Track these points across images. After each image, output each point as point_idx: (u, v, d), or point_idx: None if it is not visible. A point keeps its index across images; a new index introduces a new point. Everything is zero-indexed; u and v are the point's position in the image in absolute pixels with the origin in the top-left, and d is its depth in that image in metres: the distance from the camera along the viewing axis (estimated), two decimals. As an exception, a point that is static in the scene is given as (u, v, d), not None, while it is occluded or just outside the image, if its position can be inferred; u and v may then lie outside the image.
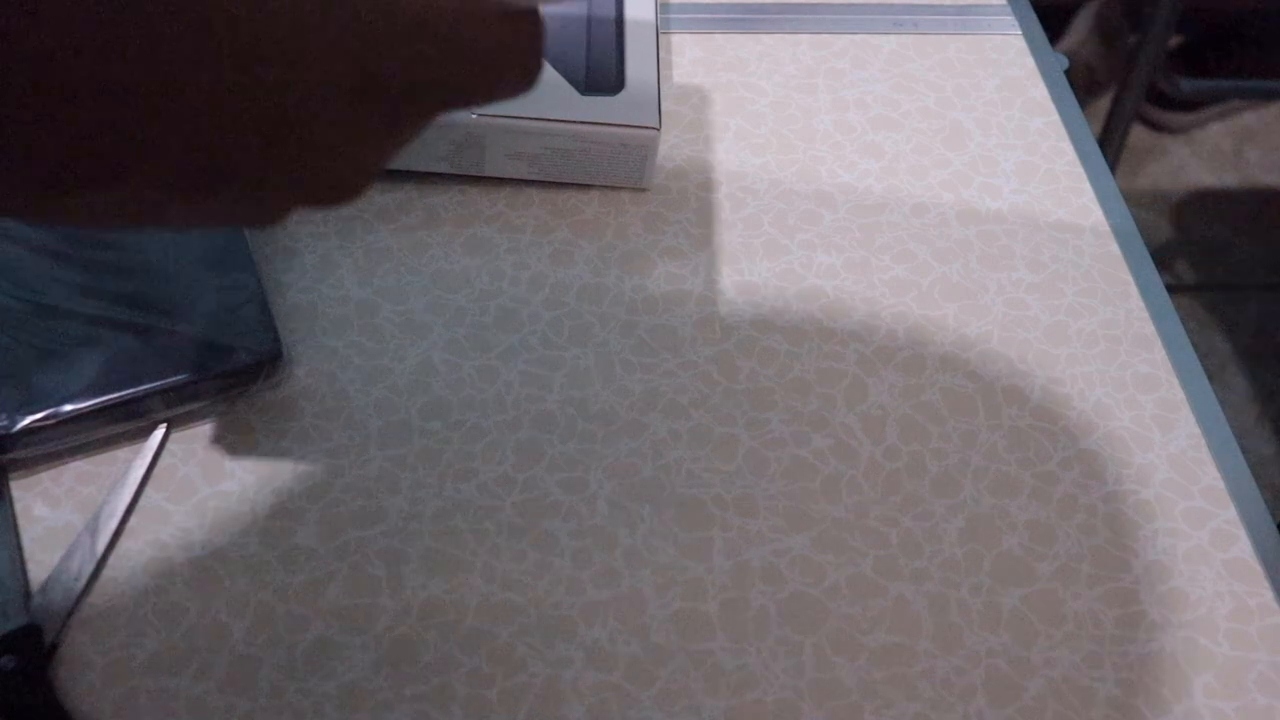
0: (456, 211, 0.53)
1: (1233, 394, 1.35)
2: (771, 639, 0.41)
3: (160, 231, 0.29)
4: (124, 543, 0.42)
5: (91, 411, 0.42)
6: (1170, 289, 0.50)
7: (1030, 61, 0.61)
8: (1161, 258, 1.48)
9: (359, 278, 0.50)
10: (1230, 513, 0.45)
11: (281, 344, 0.45)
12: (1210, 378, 0.44)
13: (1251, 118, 1.67)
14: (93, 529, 0.41)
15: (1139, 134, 1.63)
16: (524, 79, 0.28)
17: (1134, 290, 0.52)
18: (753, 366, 0.48)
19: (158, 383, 0.43)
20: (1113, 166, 1.43)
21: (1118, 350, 0.49)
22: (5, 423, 0.42)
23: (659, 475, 0.44)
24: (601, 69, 0.54)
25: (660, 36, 0.59)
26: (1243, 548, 0.44)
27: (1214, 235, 1.52)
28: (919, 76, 0.60)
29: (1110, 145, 1.35)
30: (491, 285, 0.50)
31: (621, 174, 0.53)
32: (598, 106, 0.51)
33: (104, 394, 0.43)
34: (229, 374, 0.44)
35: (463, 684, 0.39)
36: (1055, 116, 0.59)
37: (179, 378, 0.43)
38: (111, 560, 0.41)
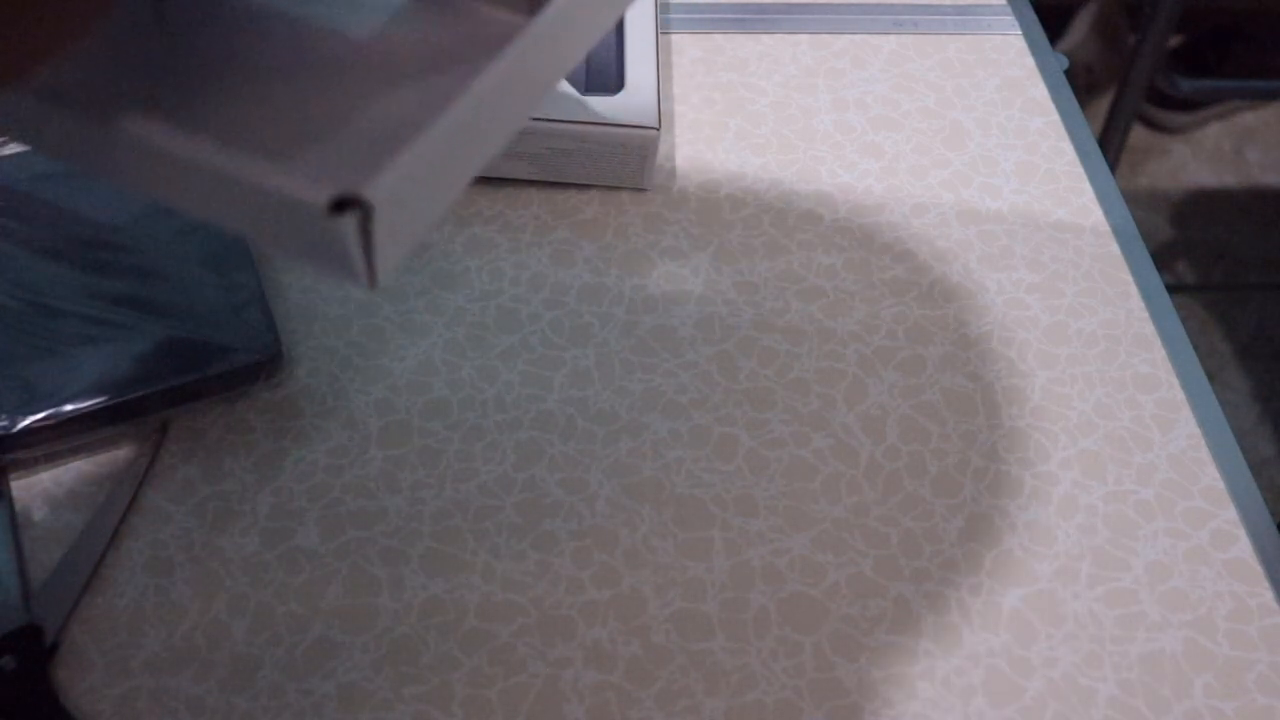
0: (457, 211, 0.53)
1: (1233, 394, 1.35)
2: (771, 639, 0.41)
3: None
4: (124, 543, 0.42)
5: (91, 412, 0.42)
6: (1170, 289, 0.50)
7: (1030, 61, 0.61)
8: (1161, 258, 1.48)
9: (359, 278, 0.50)
10: (1230, 513, 0.45)
11: (281, 344, 0.45)
12: (1210, 378, 0.44)
13: (1251, 118, 1.67)
14: (93, 529, 0.41)
15: (1139, 134, 1.63)
16: None
17: (1134, 290, 0.52)
18: (753, 366, 0.48)
19: (158, 383, 0.43)
20: (1113, 166, 1.43)
21: (1118, 350, 0.49)
22: (5, 423, 0.42)
23: (659, 475, 0.44)
24: (601, 69, 0.54)
25: (660, 36, 0.59)
26: (1243, 548, 0.44)
27: (1214, 235, 1.52)
28: (919, 76, 0.60)
29: (1110, 145, 1.35)
30: (491, 285, 0.50)
31: (621, 174, 0.53)
32: (598, 107, 0.51)
33: (104, 394, 0.43)
34: (229, 374, 0.44)
35: (463, 684, 0.39)
36: (1055, 116, 0.59)
37: (179, 378, 0.43)
38: (111, 560, 0.41)
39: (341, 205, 0.24)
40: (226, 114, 0.28)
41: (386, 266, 0.26)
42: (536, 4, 0.31)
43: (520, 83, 0.30)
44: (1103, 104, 1.44)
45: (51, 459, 0.43)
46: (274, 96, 0.28)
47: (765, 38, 0.62)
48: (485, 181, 0.54)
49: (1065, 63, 0.62)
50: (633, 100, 0.52)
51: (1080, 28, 1.64)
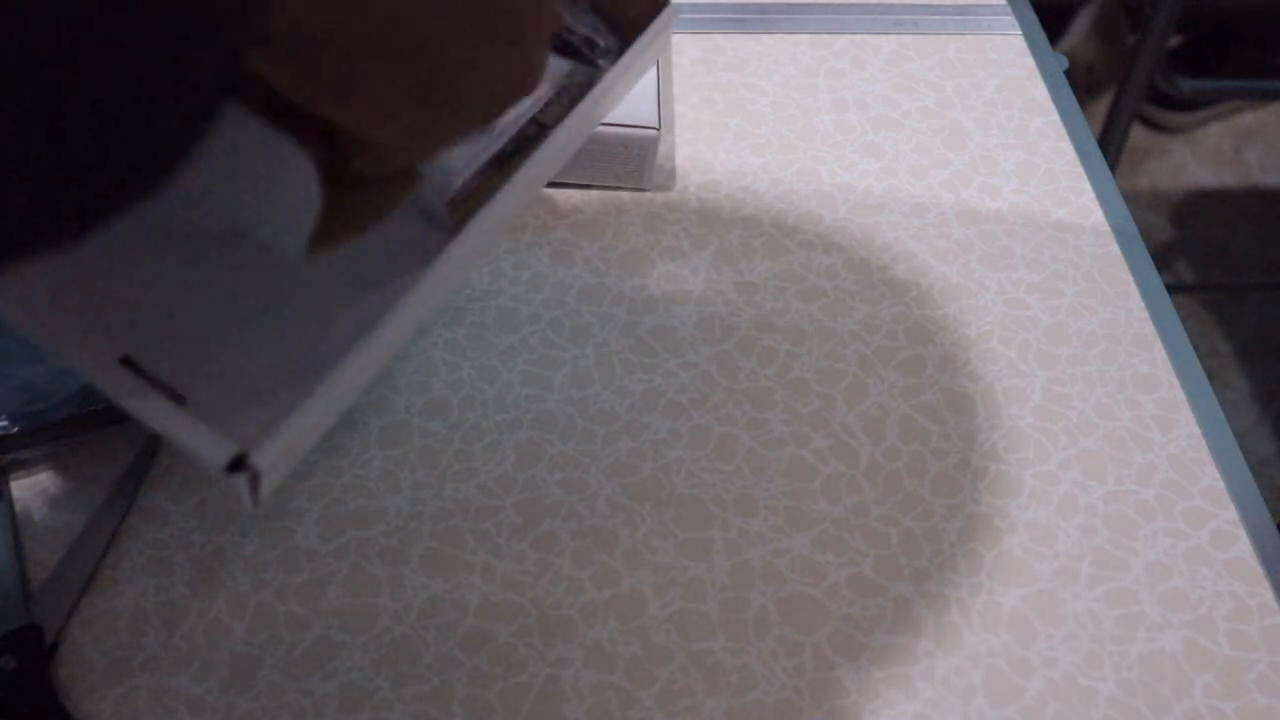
0: (456, 211, 0.53)
1: (1233, 394, 1.35)
2: (771, 639, 0.41)
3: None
4: (124, 543, 0.42)
5: (91, 412, 0.42)
6: (1170, 289, 0.50)
7: (1030, 61, 0.61)
8: (1161, 258, 1.48)
9: (359, 278, 0.50)
10: (1230, 513, 0.45)
11: (281, 344, 0.45)
12: (1210, 378, 0.44)
13: (1251, 118, 1.66)
14: (93, 529, 0.41)
15: (1139, 134, 1.63)
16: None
17: (1134, 290, 0.52)
18: (753, 366, 0.48)
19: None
20: (1113, 166, 1.43)
21: (1118, 350, 0.49)
22: (5, 423, 0.42)
23: (659, 475, 0.44)
24: (601, 69, 0.54)
25: (660, 36, 0.59)
26: (1243, 548, 0.44)
27: (1214, 235, 1.52)
28: (919, 76, 0.60)
29: (1110, 145, 1.35)
30: (491, 285, 0.50)
31: (621, 174, 0.53)
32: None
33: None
34: (229, 374, 0.44)
35: (463, 684, 0.39)
36: (1055, 116, 0.59)
37: (179, 378, 0.43)
38: (111, 560, 0.41)
39: (235, 465, 0.29)
40: (148, 338, 0.31)
41: (267, 494, 0.31)
42: (461, 222, 0.34)
43: (413, 318, 0.34)
44: (1103, 104, 1.43)
45: (51, 459, 0.43)
46: (191, 323, 0.32)
47: (765, 38, 0.62)
48: (485, 181, 0.54)
49: (1065, 63, 0.62)
50: (632, 100, 0.52)
51: (1080, 28, 1.63)
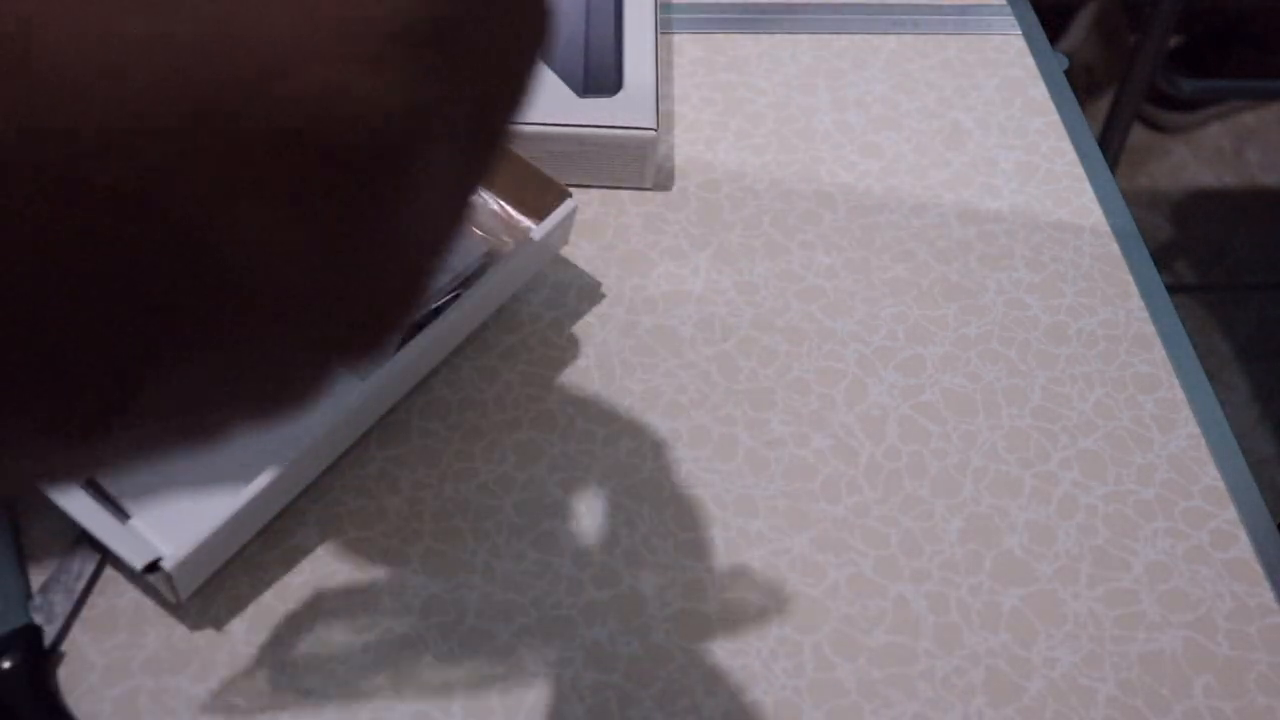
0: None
1: (1233, 394, 1.35)
2: (771, 639, 0.41)
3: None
4: (124, 543, 0.42)
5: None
6: (1170, 289, 0.50)
7: (1030, 61, 0.61)
8: (1161, 258, 1.48)
9: (359, 278, 0.50)
10: (1230, 513, 0.45)
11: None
12: (1210, 378, 0.44)
13: (1251, 118, 1.66)
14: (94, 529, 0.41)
15: (1139, 134, 1.63)
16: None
17: (1134, 290, 0.52)
18: (753, 366, 0.48)
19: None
20: (1113, 166, 1.43)
21: (1118, 350, 0.49)
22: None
23: (659, 475, 0.44)
24: (600, 70, 0.54)
25: (660, 36, 0.59)
26: (1243, 548, 0.44)
27: (1214, 235, 1.52)
28: (919, 76, 0.60)
29: (1110, 145, 1.35)
30: (491, 285, 0.50)
31: (621, 174, 0.53)
32: (596, 109, 0.51)
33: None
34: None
35: (463, 684, 0.39)
36: (1055, 116, 0.59)
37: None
38: (112, 560, 0.41)
39: (152, 567, 0.37)
40: None
41: (187, 593, 0.39)
42: (369, 372, 0.42)
43: (321, 454, 0.42)
44: (1103, 104, 1.43)
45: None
46: None
47: (765, 38, 0.62)
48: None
49: (1065, 63, 0.62)
50: (631, 101, 0.52)
51: (1080, 28, 1.63)
